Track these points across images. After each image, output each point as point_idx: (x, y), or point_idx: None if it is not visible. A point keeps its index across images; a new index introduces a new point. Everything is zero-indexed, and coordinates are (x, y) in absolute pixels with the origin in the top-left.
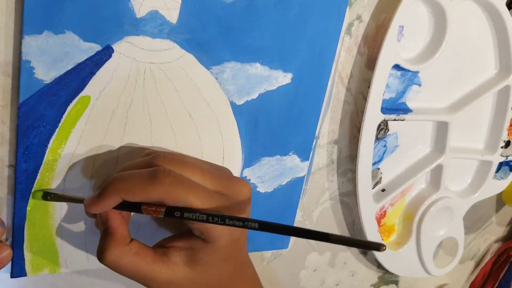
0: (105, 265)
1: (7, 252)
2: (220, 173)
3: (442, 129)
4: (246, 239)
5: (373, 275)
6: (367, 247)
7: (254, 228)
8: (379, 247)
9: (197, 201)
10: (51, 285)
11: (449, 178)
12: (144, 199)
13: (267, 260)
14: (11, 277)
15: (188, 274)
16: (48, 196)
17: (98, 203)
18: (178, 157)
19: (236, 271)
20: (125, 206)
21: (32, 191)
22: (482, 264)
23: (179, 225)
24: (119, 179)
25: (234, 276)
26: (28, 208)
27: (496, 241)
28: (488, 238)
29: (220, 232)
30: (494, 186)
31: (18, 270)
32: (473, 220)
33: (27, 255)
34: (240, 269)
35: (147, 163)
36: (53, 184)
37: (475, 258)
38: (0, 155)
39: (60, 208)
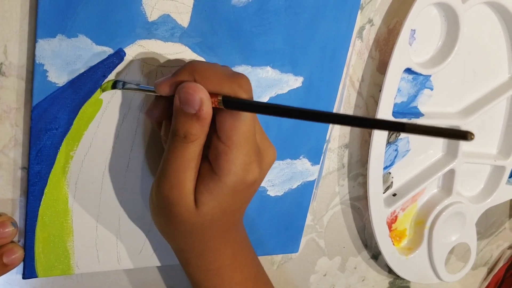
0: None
1: (19, 253)
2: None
3: None
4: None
5: (384, 281)
6: (449, 136)
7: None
8: (465, 135)
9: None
10: (63, 287)
11: (462, 183)
12: (212, 89)
13: (277, 264)
14: (23, 278)
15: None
16: (117, 84)
17: (172, 79)
18: None
19: (234, 221)
20: None
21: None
22: (495, 271)
23: None
24: (198, 63)
25: (230, 223)
26: (40, 210)
27: (509, 248)
28: (501, 244)
29: (230, 169)
30: (507, 191)
31: (29, 271)
32: (486, 226)
33: (39, 256)
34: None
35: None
36: (66, 187)
37: (488, 265)
38: (13, 157)
39: (71, 211)
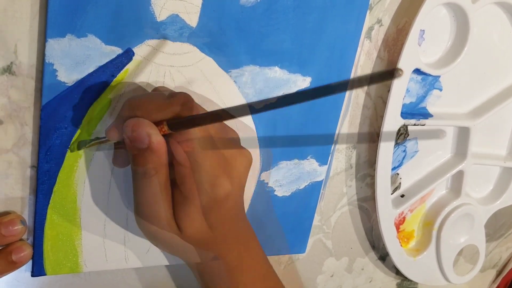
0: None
1: (28, 251)
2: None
3: (463, 135)
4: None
5: (391, 282)
6: (380, 79)
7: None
8: (393, 72)
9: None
10: (71, 285)
11: (470, 185)
12: (156, 118)
13: (284, 265)
14: (32, 275)
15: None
16: (83, 145)
17: (116, 122)
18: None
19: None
20: None
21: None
22: (504, 273)
23: None
24: (133, 99)
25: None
26: (49, 208)
27: None
28: (511, 246)
29: (199, 189)
30: None
31: (38, 269)
32: (495, 228)
33: (47, 254)
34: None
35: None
36: (74, 186)
37: (497, 267)
38: (23, 156)
39: (80, 210)
